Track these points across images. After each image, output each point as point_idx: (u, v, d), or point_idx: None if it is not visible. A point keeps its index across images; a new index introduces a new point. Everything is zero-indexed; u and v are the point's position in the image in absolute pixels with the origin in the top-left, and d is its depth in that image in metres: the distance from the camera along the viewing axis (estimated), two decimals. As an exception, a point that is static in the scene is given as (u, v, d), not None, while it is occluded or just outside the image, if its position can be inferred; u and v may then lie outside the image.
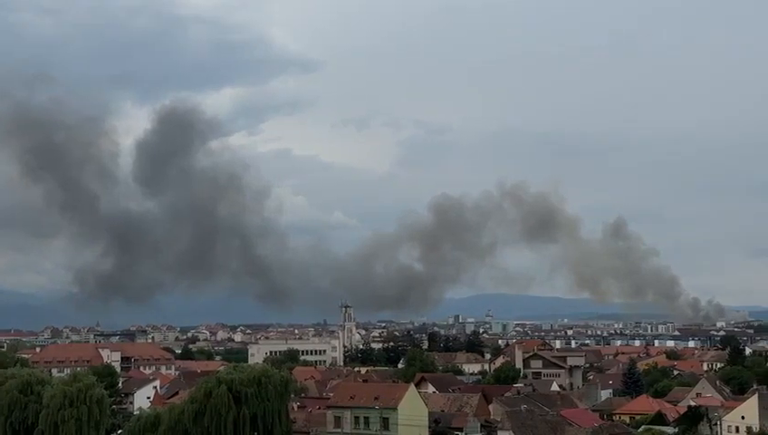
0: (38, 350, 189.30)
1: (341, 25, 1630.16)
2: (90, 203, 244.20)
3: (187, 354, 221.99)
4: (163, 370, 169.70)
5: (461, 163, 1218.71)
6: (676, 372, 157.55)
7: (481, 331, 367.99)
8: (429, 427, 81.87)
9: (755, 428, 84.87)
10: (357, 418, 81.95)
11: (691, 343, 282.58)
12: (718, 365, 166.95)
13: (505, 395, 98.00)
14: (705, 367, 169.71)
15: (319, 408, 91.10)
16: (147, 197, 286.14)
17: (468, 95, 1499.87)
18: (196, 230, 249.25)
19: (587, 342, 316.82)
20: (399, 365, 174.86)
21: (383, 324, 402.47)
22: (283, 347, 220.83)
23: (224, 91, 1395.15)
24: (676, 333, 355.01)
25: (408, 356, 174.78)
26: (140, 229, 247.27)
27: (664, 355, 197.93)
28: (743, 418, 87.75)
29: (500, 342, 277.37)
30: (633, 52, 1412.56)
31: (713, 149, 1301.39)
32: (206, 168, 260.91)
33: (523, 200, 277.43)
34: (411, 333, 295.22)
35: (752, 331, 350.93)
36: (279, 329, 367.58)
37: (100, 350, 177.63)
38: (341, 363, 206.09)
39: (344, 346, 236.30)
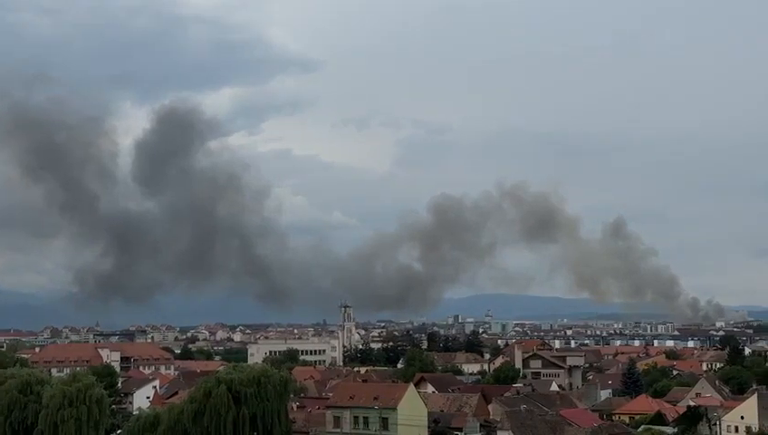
0: (38, 350, 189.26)
1: (341, 25, 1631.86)
2: (90, 203, 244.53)
3: (186, 354, 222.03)
4: (162, 370, 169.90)
5: (461, 163, 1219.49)
6: (675, 372, 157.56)
7: (480, 331, 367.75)
8: (429, 427, 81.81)
9: (755, 428, 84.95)
10: (356, 418, 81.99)
11: (690, 343, 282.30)
12: (717, 365, 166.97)
13: (505, 395, 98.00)
14: (704, 367, 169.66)
15: (318, 408, 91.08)
16: (146, 197, 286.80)
17: (468, 95, 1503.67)
18: (195, 230, 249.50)
19: (586, 342, 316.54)
20: (399, 365, 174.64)
21: (383, 324, 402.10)
22: (282, 347, 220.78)
23: (223, 91, 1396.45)
24: (676, 333, 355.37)
25: (407, 356, 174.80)
26: (140, 229, 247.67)
27: (663, 355, 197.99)
28: (742, 418, 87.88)
29: (499, 342, 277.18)
30: (636, 52, 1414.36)
31: (716, 150, 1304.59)
32: (205, 168, 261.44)
33: (522, 200, 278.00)
34: (411, 333, 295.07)
35: (751, 331, 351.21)
36: (278, 329, 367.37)
37: (99, 350, 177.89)
38: (341, 363, 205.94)
39: (344, 346, 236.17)
